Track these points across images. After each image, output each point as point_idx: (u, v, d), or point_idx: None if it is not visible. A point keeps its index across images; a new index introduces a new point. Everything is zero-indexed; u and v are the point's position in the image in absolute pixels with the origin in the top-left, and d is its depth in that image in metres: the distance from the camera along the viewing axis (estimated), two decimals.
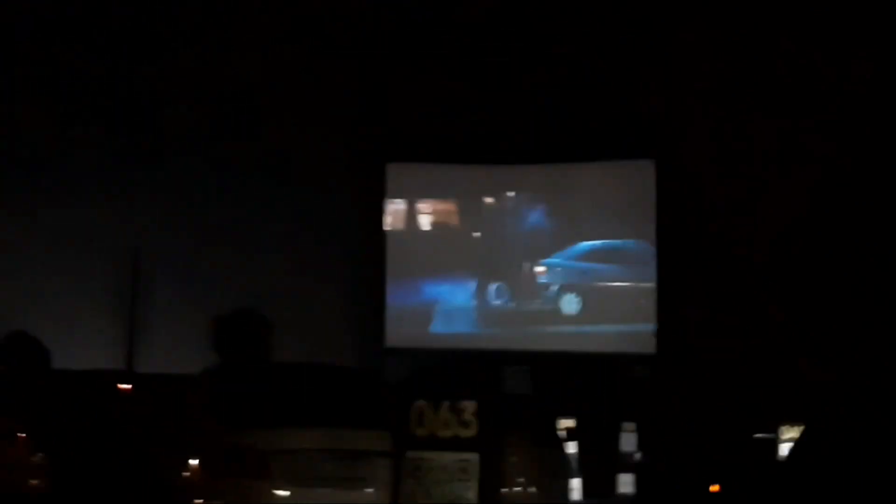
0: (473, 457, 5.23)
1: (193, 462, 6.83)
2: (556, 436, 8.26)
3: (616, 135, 10.65)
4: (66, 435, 7.07)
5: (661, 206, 10.56)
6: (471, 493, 5.24)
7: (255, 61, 11.07)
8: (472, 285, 11.05)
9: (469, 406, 5.26)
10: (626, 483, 8.06)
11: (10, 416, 6.99)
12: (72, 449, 7.03)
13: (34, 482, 6.87)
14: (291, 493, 6.62)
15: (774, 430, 7.47)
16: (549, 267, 10.72)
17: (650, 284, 10.44)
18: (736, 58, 10.49)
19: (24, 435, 6.95)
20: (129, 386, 7.77)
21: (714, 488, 6.43)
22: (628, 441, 8.47)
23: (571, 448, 8.33)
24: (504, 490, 5.98)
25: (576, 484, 8.05)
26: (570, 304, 10.77)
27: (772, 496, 6.12)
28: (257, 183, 11.14)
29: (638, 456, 8.05)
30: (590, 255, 10.75)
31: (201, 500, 6.70)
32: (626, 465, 8.27)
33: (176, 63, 11.09)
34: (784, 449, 7.05)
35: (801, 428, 6.60)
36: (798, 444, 6.24)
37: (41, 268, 10.77)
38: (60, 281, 10.74)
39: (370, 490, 6.54)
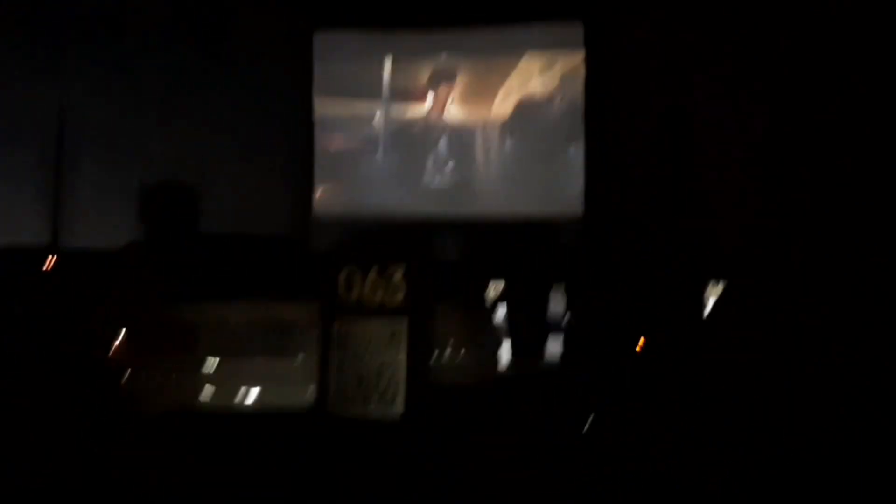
0: (402, 321, 5.23)
1: (121, 336, 6.81)
2: (485, 299, 8.33)
3: None
4: None
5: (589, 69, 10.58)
6: (400, 356, 5.25)
7: None
8: (400, 153, 11.06)
9: (398, 270, 5.24)
10: (554, 343, 8.16)
11: None
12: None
13: None
14: (219, 364, 6.64)
15: (701, 287, 7.56)
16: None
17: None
18: None
19: None
20: (54, 260, 7.70)
21: (640, 345, 6.52)
22: (557, 302, 8.56)
23: (500, 311, 8.41)
24: (434, 353, 6.01)
25: (505, 345, 8.15)
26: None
27: (695, 350, 6.23)
28: (187, 49, 10.98)
29: (566, 316, 8.14)
30: None
31: (129, 374, 6.70)
32: (554, 325, 8.37)
33: None
34: (709, 306, 7.15)
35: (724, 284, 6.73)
36: (719, 299, 6.37)
37: None
38: None
39: (298, 358, 6.58)
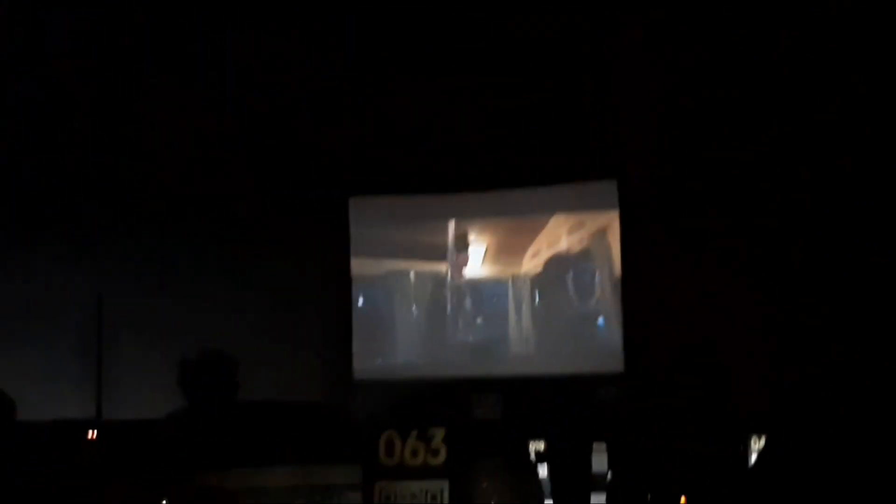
0: (443, 484, 5.23)
1: None
2: (527, 459, 8.27)
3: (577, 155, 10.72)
4: (34, 487, 7.02)
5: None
6: None
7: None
8: (438, 314, 11.11)
9: (437, 433, 5.26)
10: (597, 501, 8.07)
11: None
12: (41, 501, 6.98)
13: None
14: None
15: (744, 440, 7.50)
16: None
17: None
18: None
19: None
20: (96, 433, 7.74)
21: (683, 501, 6.46)
22: (599, 461, 8.48)
23: (542, 471, 8.34)
24: None
25: None
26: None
27: None
28: (217, 221, 11.18)
29: (608, 475, 8.06)
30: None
31: None
32: (597, 484, 8.28)
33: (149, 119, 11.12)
34: (752, 459, 7.08)
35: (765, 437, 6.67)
36: (762, 453, 6.31)
37: (4, 319, 10.76)
38: (24, 330, 10.74)
39: None
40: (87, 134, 11.17)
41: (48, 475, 7.06)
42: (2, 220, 11.04)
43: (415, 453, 5.27)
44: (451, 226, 11.21)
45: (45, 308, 10.86)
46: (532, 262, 11.01)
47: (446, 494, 5.14)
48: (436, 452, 5.21)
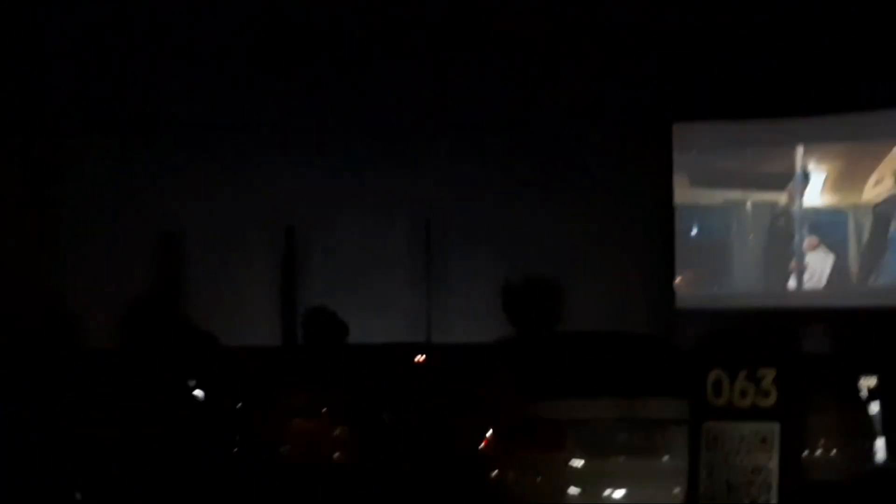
0: (774, 426, 5.08)
1: (489, 433, 6.91)
2: (859, 396, 8.00)
3: None
4: (366, 409, 7.26)
5: None
6: (772, 462, 5.10)
7: None
8: (773, 243, 10.84)
9: (768, 373, 5.10)
10: None
11: (311, 392, 7.23)
12: (372, 422, 7.22)
13: (336, 455, 7.10)
14: (585, 463, 6.62)
15: None
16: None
17: None
18: None
19: (325, 410, 7.18)
20: (425, 357, 7.94)
21: None
22: None
23: (874, 408, 8.06)
24: (805, 455, 5.79)
25: (880, 445, 7.79)
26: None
27: None
28: (544, 143, 11.20)
29: None
30: None
31: (496, 471, 6.78)
32: None
33: None
34: None
35: None
36: None
37: (341, 243, 11.12)
38: (359, 254, 11.08)
39: (666, 459, 6.48)
40: None
41: (378, 398, 7.31)
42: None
43: (744, 394, 5.13)
44: (793, 152, 10.88)
45: (376, 236, 11.15)
46: (874, 191, 10.57)
47: (777, 437, 5.00)
48: (766, 394, 5.05)
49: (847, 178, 10.68)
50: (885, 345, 8.81)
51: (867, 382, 8.18)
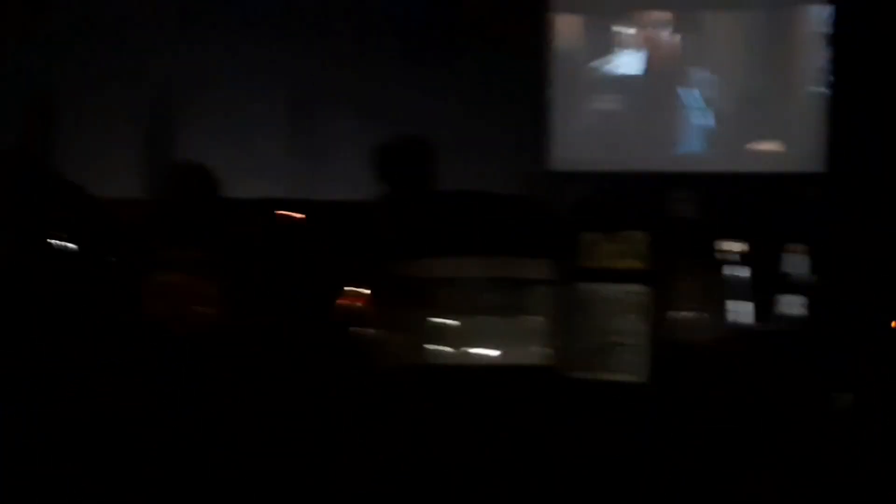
0: (644, 288, 5.11)
1: (354, 289, 6.85)
2: (714, 260, 8.10)
3: None
4: (237, 263, 7.15)
5: None
6: (641, 324, 5.13)
7: None
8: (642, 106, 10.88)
9: (641, 236, 5.11)
10: (795, 305, 7.87)
11: (182, 247, 7.09)
12: (243, 276, 7.11)
13: (205, 309, 6.99)
14: (451, 322, 6.60)
15: None
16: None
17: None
18: None
19: (196, 265, 7.06)
20: (300, 214, 7.83)
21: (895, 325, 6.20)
22: (801, 263, 8.26)
23: (742, 272, 8.16)
24: (673, 316, 5.86)
25: (748, 308, 7.91)
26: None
27: None
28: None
29: (811, 279, 7.84)
30: None
31: (365, 330, 6.74)
32: (797, 287, 8.07)
33: None
34: None
35: None
36: None
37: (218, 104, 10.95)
38: (233, 110, 10.92)
39: (531, 318, 6.49)
40: None
41: (251, 252, 7.20)
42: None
43: (616, 255, 5.14)
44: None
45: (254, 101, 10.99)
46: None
47: (649, 299, 5.02)
48: (638, 256, 5.07)
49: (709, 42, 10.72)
50: (756, 210, 8.93)
51: (738, 247, 8.28)
